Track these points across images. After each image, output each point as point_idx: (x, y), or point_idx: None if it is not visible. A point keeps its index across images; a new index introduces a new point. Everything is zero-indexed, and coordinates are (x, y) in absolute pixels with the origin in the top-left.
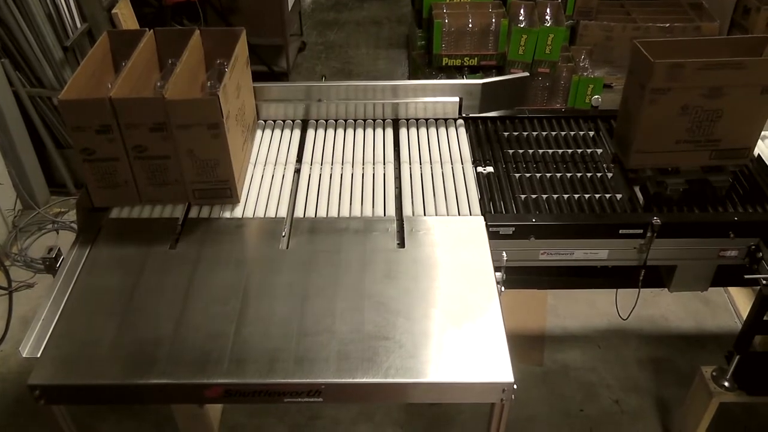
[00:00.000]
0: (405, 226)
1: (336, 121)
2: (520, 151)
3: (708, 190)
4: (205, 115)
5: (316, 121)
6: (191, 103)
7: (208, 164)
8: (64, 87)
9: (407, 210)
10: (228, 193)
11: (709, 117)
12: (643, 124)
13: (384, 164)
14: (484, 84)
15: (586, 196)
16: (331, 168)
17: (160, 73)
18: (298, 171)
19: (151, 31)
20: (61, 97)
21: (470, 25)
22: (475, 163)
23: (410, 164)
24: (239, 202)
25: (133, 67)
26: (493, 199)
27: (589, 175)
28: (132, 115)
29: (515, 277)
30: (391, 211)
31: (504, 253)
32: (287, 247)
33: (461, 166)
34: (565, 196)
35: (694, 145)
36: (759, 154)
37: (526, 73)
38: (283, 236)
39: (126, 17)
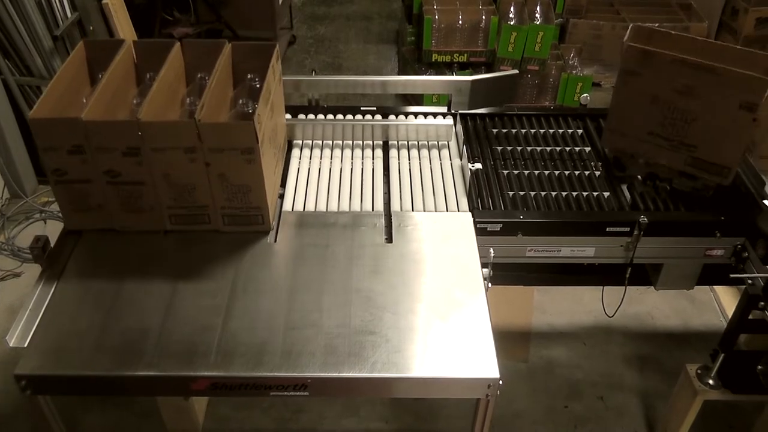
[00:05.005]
0: (393, 221)
1: (325, 116)
2: (509, 148)
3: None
4: (239, 139)
5: (306, 115)
6: (225, 128)
7: (240, 190)
8: (36, 103)
9: (395, 205)
10: (260, 220)
11: (682, 117)
12: (614, 103)
13: (373, 159)
14: (473, 81)
15: (574, 193)
16: (320, 162)
17: (138, 88)
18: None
19: (130, 42)
20: (31, 116)
21: (460, 22)
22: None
23: (399, 159)
24: (271, 230)
25: (107, 83)
26: (481, 195)
27: (577, 173)
28: (105, 138)
29: (502, 273)
30: (380, 206)
31: (491, 250)
32: (275, 241)
33: (450, 162)
34: (553, 193)
35: (668, 143)
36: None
37: (516, 71)
38: (271, 230)
39: (116, 8)
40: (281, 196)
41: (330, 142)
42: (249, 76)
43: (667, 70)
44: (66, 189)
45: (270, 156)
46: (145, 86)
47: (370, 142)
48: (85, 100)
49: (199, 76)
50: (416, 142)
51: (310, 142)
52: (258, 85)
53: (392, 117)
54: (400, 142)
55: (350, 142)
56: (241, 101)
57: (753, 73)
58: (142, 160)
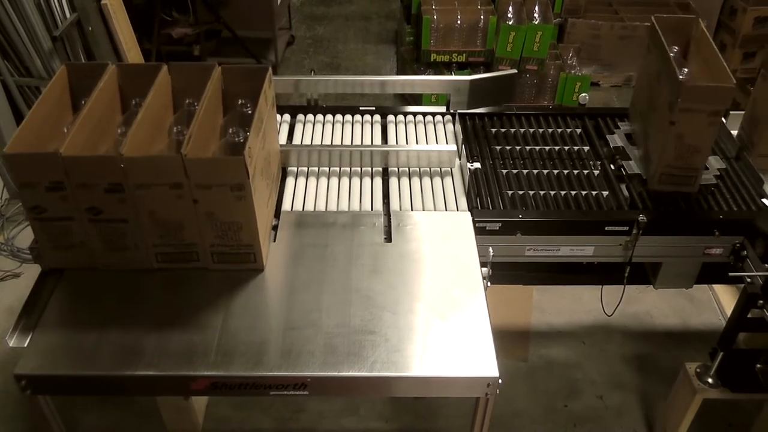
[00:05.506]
0: (392, 220)
1: (324, 115)
2: (508, 147)
3: None
4: (228, 175)
5: (305, 114)
6: (213, 163)
7: (231, 227)
8: (13, 135)
9: (395, 205)
10: (252, 258)
11: (654, 104)
12: (638, 75)
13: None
14: (472, 80)
15: (573, 192)
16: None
17: (123, 115)
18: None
19: (114, 66)
20: (6, 151)
21: (459, 22)
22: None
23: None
24: (263, 269)
25: (90, 112)
26: (480, 195)
27: (575, 172)
28: (85, 174)
29: (501, 272)
30: (379, 205)
31: (490, 249)
32: (274, 240)
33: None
34: (552, 192)
35: (647, 126)
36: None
37: (514, 70)
38: (271, 229)
39: (115, 8)
40: (275, 228)
41: (327, 169)
42: (240, 102)
43: (657, 55)
44: (45, 226)
45: (262, 188)
46: (130, 113)
47: (369, 169)
48: (66, 130)
49: (187, 101)
50: (417, 169)
51: (306, 169)
52: (249, 111)
53: (393, 143)
54: (400, 169)
55: (348, 168)
56: (231, 130)
57: (679, 75)
58: (125, 197)
